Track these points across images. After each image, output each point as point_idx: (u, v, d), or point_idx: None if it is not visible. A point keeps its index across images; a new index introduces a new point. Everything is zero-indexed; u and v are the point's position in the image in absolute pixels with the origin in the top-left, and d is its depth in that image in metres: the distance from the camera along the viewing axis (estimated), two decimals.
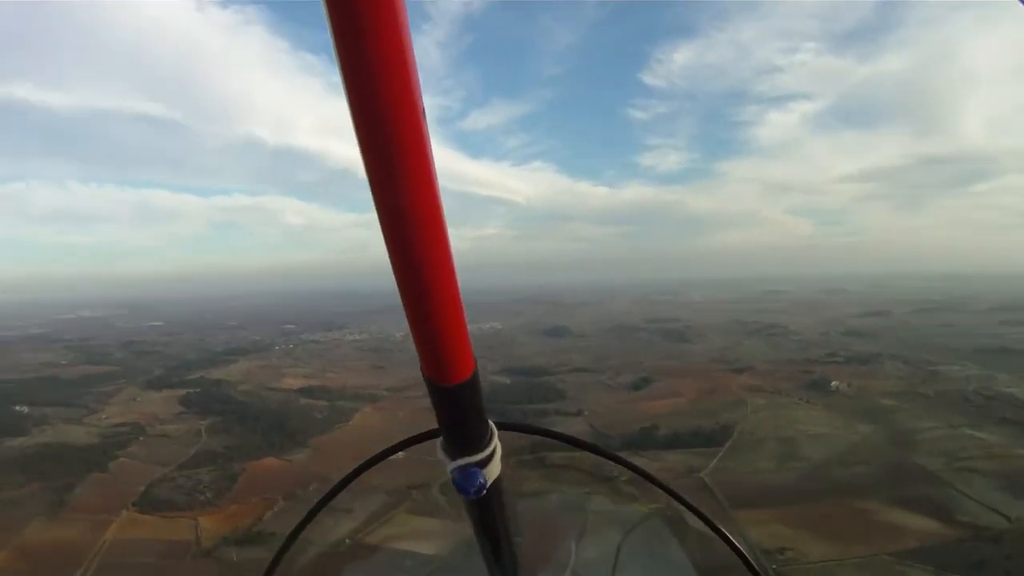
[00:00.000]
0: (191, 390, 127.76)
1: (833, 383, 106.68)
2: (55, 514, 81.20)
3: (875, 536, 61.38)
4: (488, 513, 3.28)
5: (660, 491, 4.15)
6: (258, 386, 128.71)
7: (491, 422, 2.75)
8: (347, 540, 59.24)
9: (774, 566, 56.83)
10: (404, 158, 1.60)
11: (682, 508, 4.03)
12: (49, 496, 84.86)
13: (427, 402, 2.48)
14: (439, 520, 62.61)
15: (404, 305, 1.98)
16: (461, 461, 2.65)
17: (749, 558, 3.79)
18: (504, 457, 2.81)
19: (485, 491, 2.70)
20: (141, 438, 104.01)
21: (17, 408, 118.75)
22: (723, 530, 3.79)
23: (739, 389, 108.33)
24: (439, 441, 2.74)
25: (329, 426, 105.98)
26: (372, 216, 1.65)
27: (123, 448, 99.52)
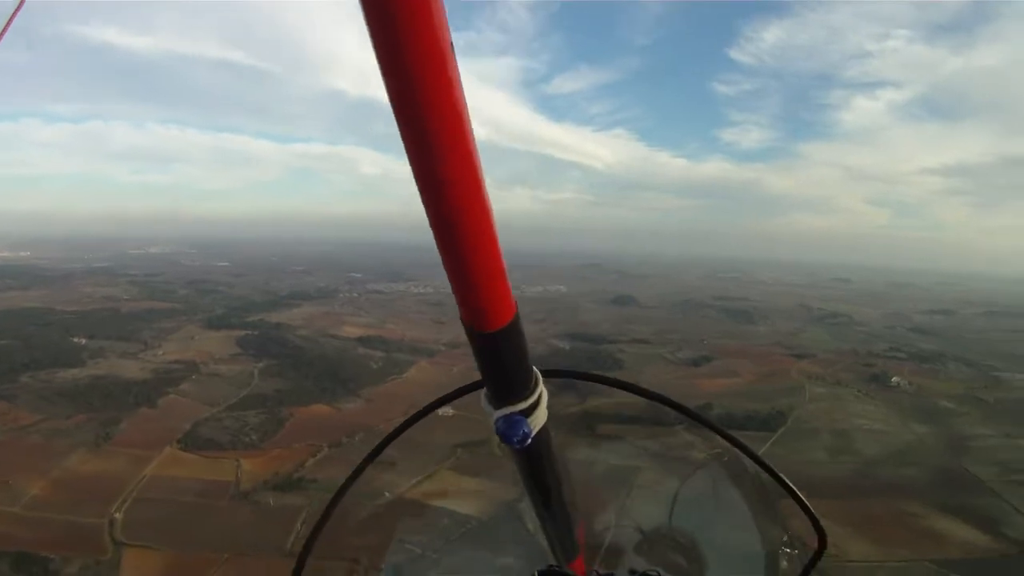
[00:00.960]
0: (250, 332, 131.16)
1: (894, 379, 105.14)
2: (99, 447, 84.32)
3: (919, 541, 60.80)
4: (535, 462, 3.35)
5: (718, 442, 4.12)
6: (317, 332, 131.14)
7: (536, 369, 2.77)
8: (386, 493, 60.23)
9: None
10: (428, 90, 1.57)
11: (744, 456, 3.97)
12: (95, 428, 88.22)
13: None
14: (480, 480, 63.53)
15: (439, 250, 2.01)
16: (505, 410, 2.69)
17: (812, 511, 3.78)
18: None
19: (530, 440, 2.73)
20: (194, 376, 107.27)
21: (75, 340, 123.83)
22: (786, 480, 3.76)
23: (798, 375, 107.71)
24: (483, 392, 2.80)
25: (383, 377, 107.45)
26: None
27: (174, 385, 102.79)
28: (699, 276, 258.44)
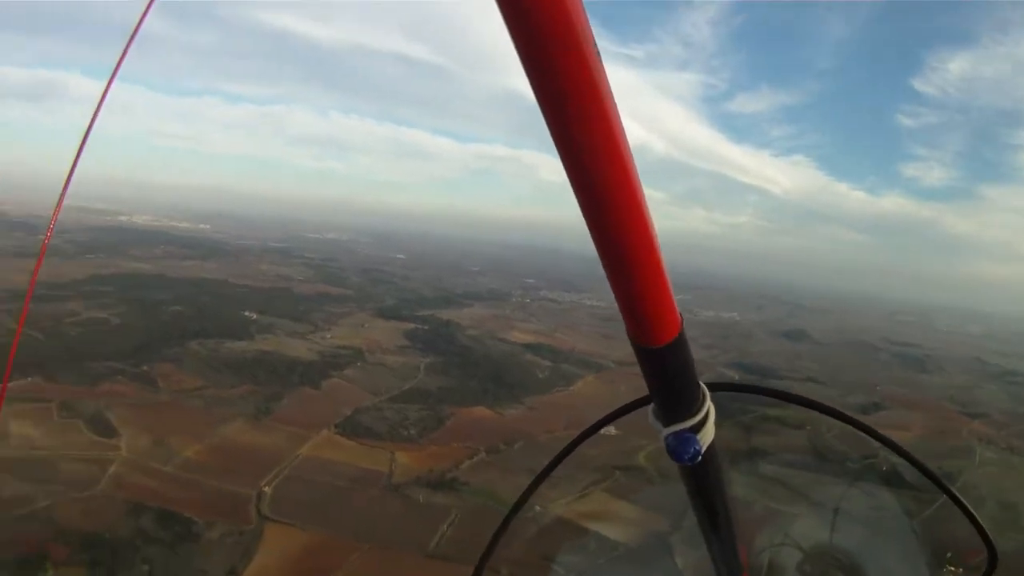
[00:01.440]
0: (419, 326, 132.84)
1: None
2: (258, 419, 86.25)
3: None
4: (703, 479, 3.26)
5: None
6: (486, 334, 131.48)
7: (703, 384, 2.70)
8: (537, 507, 58.98)
9: None
10: (578, 103, 1.59)
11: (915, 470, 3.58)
12: (257, 401, 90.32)
13: None
14: (634, 506, 62.70)
15: (604, 266, 2.03)
16: (674, 427, 2.64)
17: (985, 528, 3.57)
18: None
19: (700, 457, 2.66)
20: (359, 363, 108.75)
21: (246, 313, 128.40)
22: (959, 497, 3.52)
23: (970, 436, 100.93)
24: (650, 408, 2.75)
25: (548, 387, 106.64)
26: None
27: (339, 370, 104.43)
28: (874, 316, 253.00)
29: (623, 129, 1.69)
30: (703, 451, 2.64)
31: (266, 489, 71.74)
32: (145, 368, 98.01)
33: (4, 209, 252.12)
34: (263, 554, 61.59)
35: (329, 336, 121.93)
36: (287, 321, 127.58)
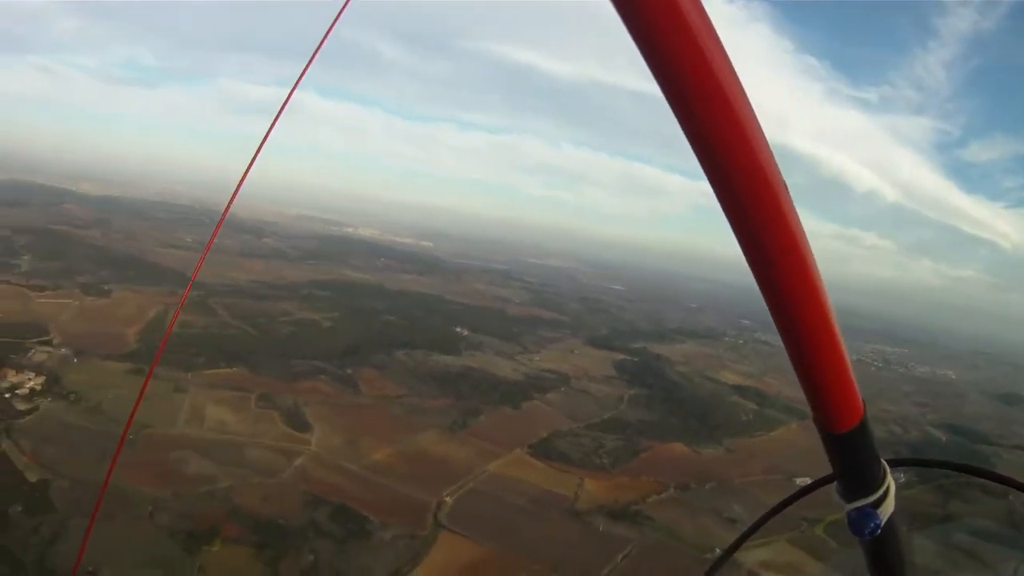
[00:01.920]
0: (629, 357, 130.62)
1: None
2: (453, 432, 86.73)
3: None
4: (883, 552, 3.24)
5: None
6: (695, 371, 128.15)
7: (884, 461, 2.78)
8: (717, 549, 56.23)
9: None
10: (747, 183, 1.69)
11: None
12: (455, 415, 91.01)
13: None
14: (815, 560, 60.60)
15: (789, 356, 2.17)
16: (856, 504, 2.75)
17: None
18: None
19: (879, 531, 2.77)
20: (563, 388, 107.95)
21: (457, 329, 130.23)
22: None
23: None
24: (835, 485, 2.85)
25: (751, 430, 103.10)
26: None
27: (542, 392, 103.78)
28: None
29: (788, 194, 1.76)
30: (883, 524, 2.72)
31: (447, 499, 71.41)
32: (349, 371, 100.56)
33: (236, 214, 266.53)
34: (430, 561, 61.48)
35: (537, 358, 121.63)
36: (497, 340, 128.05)
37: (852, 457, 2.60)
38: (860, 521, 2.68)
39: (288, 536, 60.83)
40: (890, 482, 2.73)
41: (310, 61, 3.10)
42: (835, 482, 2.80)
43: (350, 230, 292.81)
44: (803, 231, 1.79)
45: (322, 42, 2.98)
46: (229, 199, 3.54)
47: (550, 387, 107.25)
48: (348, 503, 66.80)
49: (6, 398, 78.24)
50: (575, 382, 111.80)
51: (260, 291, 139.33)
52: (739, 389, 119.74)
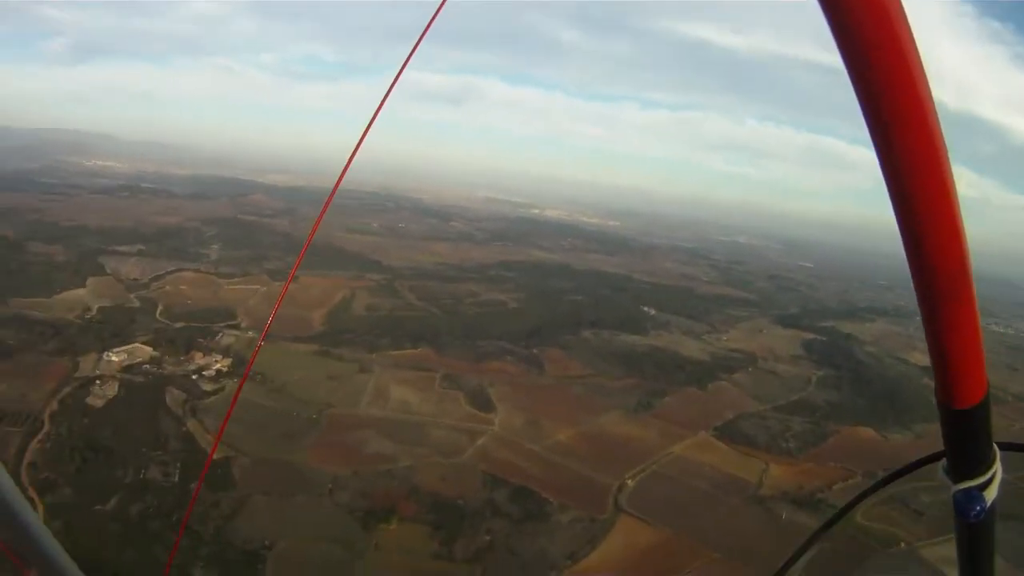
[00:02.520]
0: (817, 336, 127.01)
1: None
2: (637, 413, 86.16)
3: None
4: (979, 537, 3.19)
5: None
6: (885, 351, 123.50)
7: (995, 444, 2.73)
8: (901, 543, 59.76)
9: None
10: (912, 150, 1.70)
11: None
12: (639, 395, 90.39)
13: None
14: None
15: (923, 321, 2.16)
16: (964, 484, 2.68)
17: None
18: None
19: (984, 515, 2.71)
20: (750, 369, 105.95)
21: (644, 309, 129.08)
22: None
23: None
24: (941, 464, 2.77)
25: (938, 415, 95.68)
26: None
27: (729, 373, 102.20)
28: None
29: (951, 181, 1.80)
30: (987, 509, 2.65)
31: (629, 482, 71.12)
32: (534, 351, 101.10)
33: (422, 198, 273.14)
34: (607, 544, 61.30)
35: (724, 338, 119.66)
36: (684, 319, 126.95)
37: (968, 436, 2.53)
38: (967, 503, 2.60)
39: (465, 516, 61.96)
40: (998, 467, 2.66)
41: (420, 40, 3.32)
42: (942, 460, 2.70)
43: (537, 211, 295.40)
44: (957, 197, 1.79)
45: (429, 23, 3.17)
46: (341, 171, 3.95)
47: (737, 367, 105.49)
48: (528, 484, 67.37)
49: (193, 379, 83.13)
50: (763, 362, 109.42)
51: (447, 273, 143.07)
52: (930, 371, 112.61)
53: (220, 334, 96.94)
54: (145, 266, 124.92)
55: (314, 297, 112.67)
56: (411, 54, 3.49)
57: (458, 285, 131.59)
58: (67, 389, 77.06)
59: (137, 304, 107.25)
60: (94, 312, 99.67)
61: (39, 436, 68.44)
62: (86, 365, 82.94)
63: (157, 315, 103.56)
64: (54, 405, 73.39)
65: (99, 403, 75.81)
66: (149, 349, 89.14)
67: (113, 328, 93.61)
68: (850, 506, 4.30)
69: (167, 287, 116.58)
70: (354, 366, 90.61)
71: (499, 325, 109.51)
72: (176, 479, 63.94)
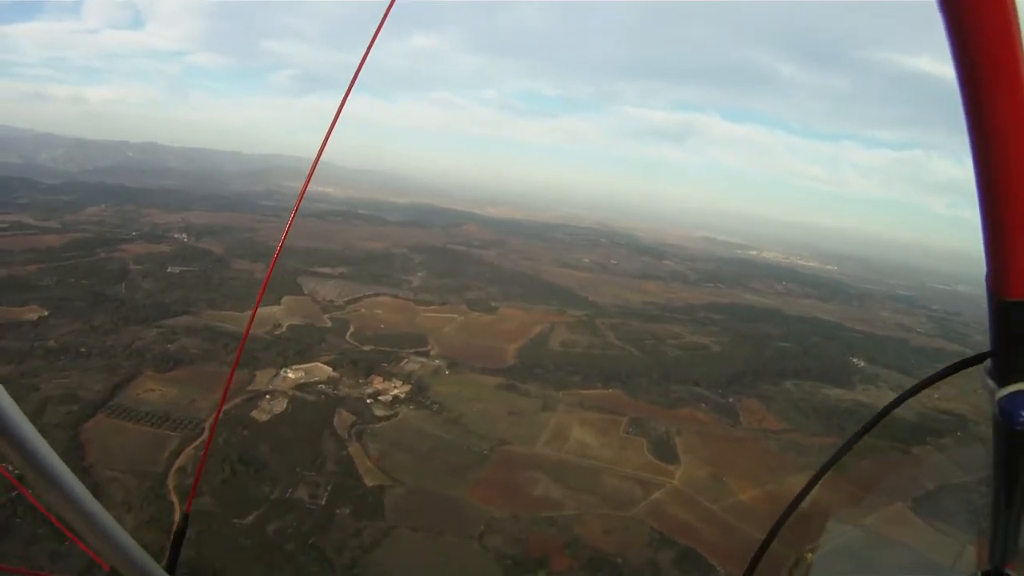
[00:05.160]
0: None
1: None
2: (830, 475, 78.62)
3: None
4: (1019, 447, 3.04)
5: None
6: None
7: None
8: None
9: None
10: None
11: None
12: (831, 454, 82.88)
13: None
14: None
15: (980, 201, 2.01)
16: (1012, 387, 2.50)
17: None
18: None
19: None
20: (959, 433, 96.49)
21: (853, 360, 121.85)
22: None
23: None
24: (984, 366, 2.60)
25: None
26: None
27: (936, 437, 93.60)
28: None
29: None
30: None
31: (808, 555, 64.55)
32: (730, 400, 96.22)
33: (639, 235, 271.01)
34: None
35: (935, 396, 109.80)
36: (895, 373, 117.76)
37: (1018, 331, 2.28)
38: (1015, 407, 2.39)
39: None
40: None
41: (375, 36, 3.67)
42: (987, 361, 2.48)
43: (754, 253, 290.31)
44: None
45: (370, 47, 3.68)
46: (305, 180, 4.26)
47: (945, 430, 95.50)
48: (697, 547, 62.40)
49: (367, 403, 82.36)
50: (973, 426, 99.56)
51: (652, 312, 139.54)
52: None
53: (406, 360, 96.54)
54: (343, 288, 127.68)
55: (511, 330, 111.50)
56: (367, 52, 3.60)
57: (661, 325, 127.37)
58: (235, 400, 77.83)
59: (328, 325, 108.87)
60: (283, 329, 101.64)
61: (196, 443, 69.22)
62: (262, 379, 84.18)
63: (347, 336, 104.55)
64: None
65: (264, 417, 76.56)
66: (329, 369, 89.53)
67: (298, 346, 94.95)
68: (886, 411, 3.69)
69: (362, 310, 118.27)
70: (538, 402, 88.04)
71: (697, 369, 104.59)
72: (323, 502, 63.03)
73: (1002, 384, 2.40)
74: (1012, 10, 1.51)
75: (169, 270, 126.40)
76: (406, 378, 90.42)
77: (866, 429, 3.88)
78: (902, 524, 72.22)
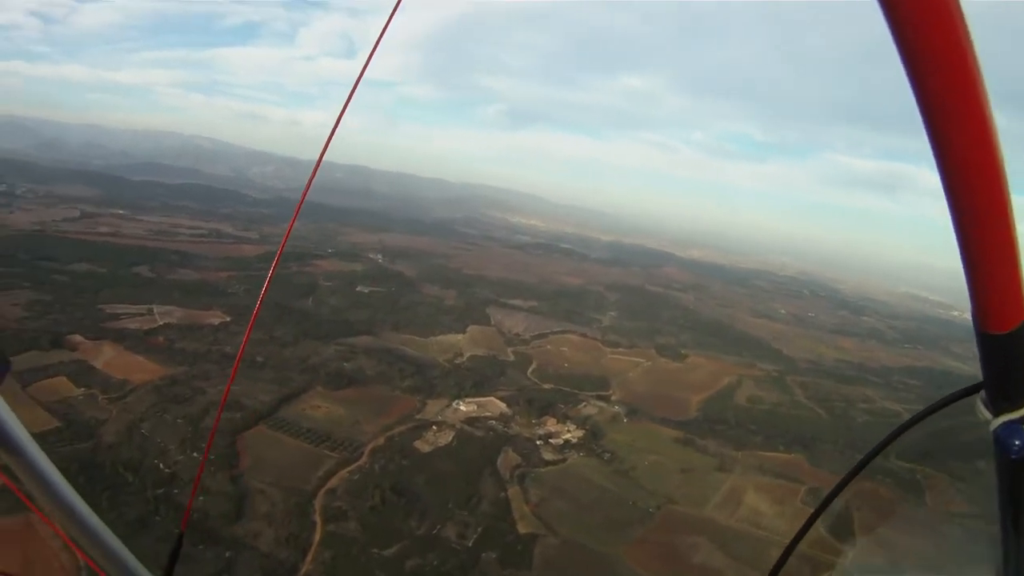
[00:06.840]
0: None
1: None
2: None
3: None
4: (1021, 473, 2.98)
5: None
6: None
7: None
8: None
9: None
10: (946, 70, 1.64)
11: None
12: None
13: None
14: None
15: (957, 239, 2.04)
16: (1005, 417, 2.56)
17: None
18: None
19: None
20: None
21: None
22: None
23: None
24: (979, 396, 2.66)
25: None
26: None
27: None
28: None
29: (988, 110, 1.69)
30: None
31: None
32: (917, 476, 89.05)
33: (840, 288, 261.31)
34: None
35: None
36: None
37: (1008, 363, 2.35)
38: (1009, 437, 2.45)
39: None
40: None
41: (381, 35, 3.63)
42: (980, 392, 2.55)
43: (956, 313, 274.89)
44: (992, 115, 1.70)
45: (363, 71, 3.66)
46: (304, 190, 4.26)
47: (950, 457, 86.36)
48: None
49: (536, 444, 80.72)
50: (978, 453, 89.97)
51: (845, 372, 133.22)
52: None
53: (584, 403, 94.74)
54: (532, 322, 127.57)
55: (698, 380, 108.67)
56: (370, 55, 3.55)
57: (854, 388, 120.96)
58: (400, 428, 78.58)
59: (511, 359, 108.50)
60: (464, 359, 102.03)
61: (351, 467, 69.52)
62: (432, 408, 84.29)
63: (528, 372, 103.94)
64: (380, 440, 74.78)
65: (425, 448, 76.18)
66: (503, 405, 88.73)
67: (477, 378, 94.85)
68: (882, 446, 3.88)
69: (548, 346, 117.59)
70: (714, 461, 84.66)
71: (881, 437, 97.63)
72: (470, 543, 61.43)
73: (996, 414, 2.47)
74: (971, 58, 1.56)
75: (358, 289, 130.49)
76: (581, 422, 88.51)
77: (863, 464, 4.02)
78: (912, 553, 65.64)
